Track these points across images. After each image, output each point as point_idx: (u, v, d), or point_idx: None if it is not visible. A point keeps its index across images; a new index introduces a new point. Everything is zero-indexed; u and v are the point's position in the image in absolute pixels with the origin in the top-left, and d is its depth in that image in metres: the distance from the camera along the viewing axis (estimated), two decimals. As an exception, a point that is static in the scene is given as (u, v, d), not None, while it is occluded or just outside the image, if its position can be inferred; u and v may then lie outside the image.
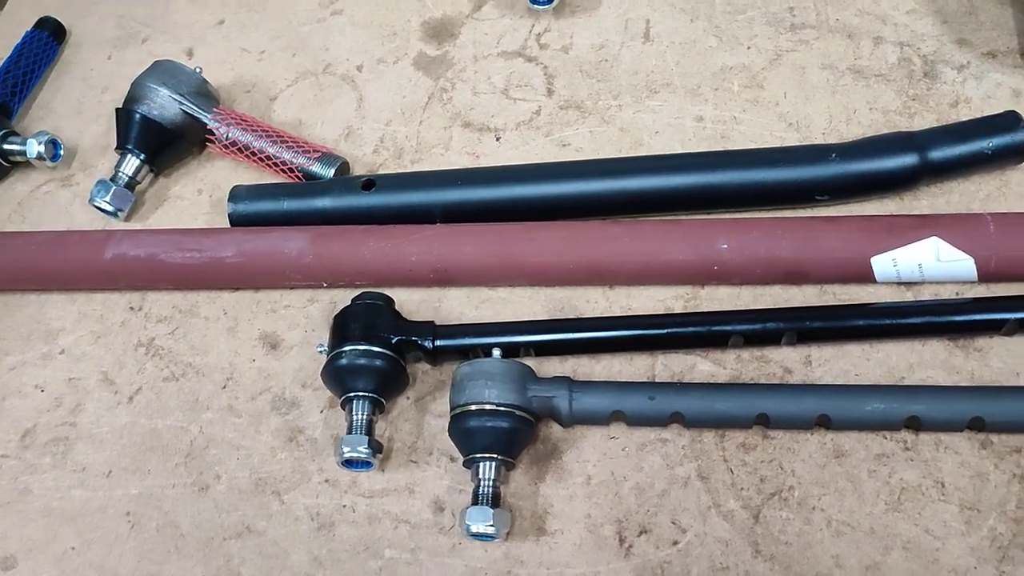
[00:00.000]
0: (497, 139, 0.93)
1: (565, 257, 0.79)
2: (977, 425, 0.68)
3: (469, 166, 0.92)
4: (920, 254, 0.74)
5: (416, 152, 0.94)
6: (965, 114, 0.87)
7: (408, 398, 0.79)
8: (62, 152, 0.99)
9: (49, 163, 0.98)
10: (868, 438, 0.71)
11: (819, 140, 0.88)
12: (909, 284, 0.78)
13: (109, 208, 0.92)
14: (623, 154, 0.90)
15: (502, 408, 0.70)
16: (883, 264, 0.75)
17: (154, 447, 0.80)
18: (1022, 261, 0.73)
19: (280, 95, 1.01)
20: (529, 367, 0.73)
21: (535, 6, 1.00)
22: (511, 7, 1.03)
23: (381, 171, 0.93)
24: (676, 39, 0.97)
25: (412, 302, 0.84)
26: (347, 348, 0.74)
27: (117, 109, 0.94)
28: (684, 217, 0.83)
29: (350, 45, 1.04)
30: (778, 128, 0.89)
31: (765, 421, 0.71)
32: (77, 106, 1.05)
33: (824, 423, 0.70)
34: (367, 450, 0.72)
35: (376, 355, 0.74)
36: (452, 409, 0.72)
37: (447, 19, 1.04)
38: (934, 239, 0.74)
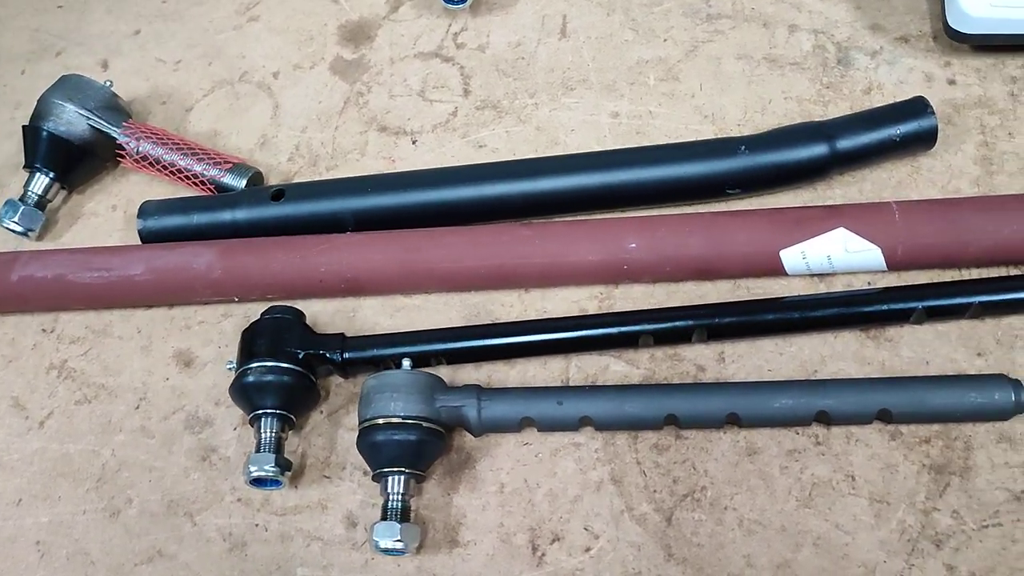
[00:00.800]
0: (413, 142, 0.92)
1: (475, 262, 0.78)
2: (885, 416, 0.68)
3: (385, 171, 0.90)
4: (828, 246, 0.73)
5: (332, 159, 0.92)
6: (878, 100, 0.86)
7: (321, 412, 0.78)
8: (-28, 172, 0.96)
9: (-41, 184, 0.95)
10: (781, 434, 0.71)
11: (734, 132, 0.87)
12: (822, 275, 0.77)
13: (18, 228, 0.90)
14: (539, 153, 0.89)
15: (409, 421, 0.69)
16: (792, 257, 0.74)
17: (65, 472, 0.78)
18: (928, 248, 0.73)
19: (196, 105, 1.00)
20: (438, 377, 0.72)
21: (449, 6, 0.98)
22: (428, 7, 1.01)
23: (296, 179, 0.92)
24: (593, 34, 0.96)
25: (326, 313, 0.82)
26: (254, 364, 0.73)
27: (24, 127, 0.92)
28: (596, 216, 0.82)
29: (266, 51, 1.02)
30: (693, 121, 0.88)
31: (675, 421, 0.70)
32: (-11, 124, 1.03)
33: (734, 421, 0.69)
34: (274, 468, 0.71)
35: (283, 371, 0.73)
36: (360, 423, 0.71)
37: (364, 21, 1.02)
38: (841, 230, 0.73)
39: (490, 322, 0.79)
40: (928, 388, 0.68)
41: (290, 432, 0.75)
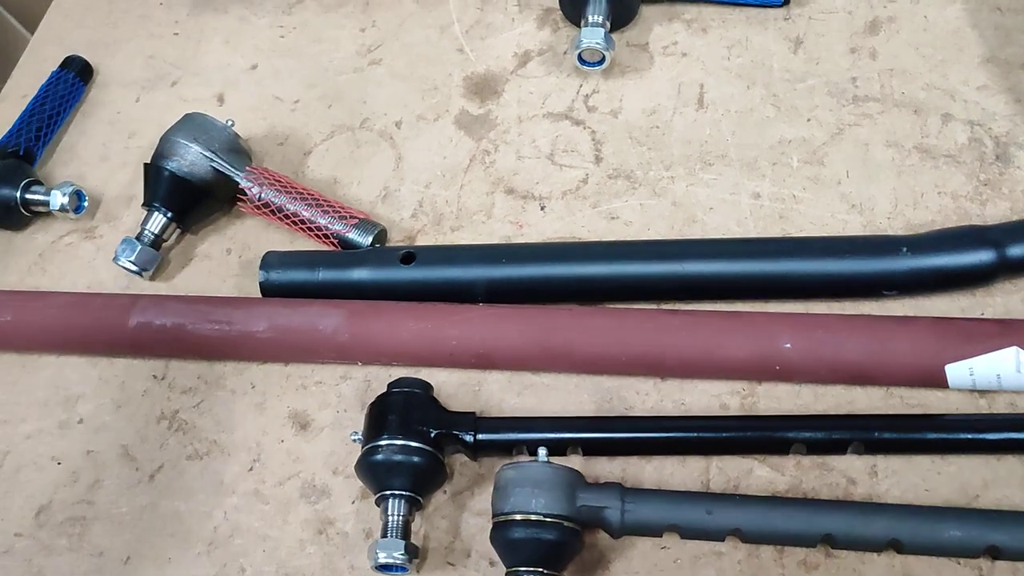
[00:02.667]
0: (542, 208, 0.89)
1: (616, 348, 0.75)
2: (1061, 557, 0.64)
3: (512, 236, 0.88)
4: (1000, 364, 0.69)
5: (456, 219, 0.90)
6: (1040, 203, 0.82)
7: (445, 492, 0.75)
8: (86, 203, 0.95)
9: (72, 215, 0.94)
10: (940, 563, 0.67)
11: (883, 224, 0.83)
12: (983, 392, 0.73)
13: (134, 268, 0.88)
14: (676, 230, 0.85)
15: (549, 519, 0.65)
16: (958, 372, 0.70)
17: (175, 532, 0.76)
18: (1109, 377, 0.69)
19: (315, 149, 0.97)
20: (578, 472, 0.69)
21: (583, 67, 0.95)
22: (558, 65, 0.99)
23: (420, 237, 0.89)
24: (732, 107, 0.93)
25: (451, 384, 0.79)
26: (383, 442, 0.70)
27: (145, 164, 0.90)
28: (741, 306, 0.78)
29: (388, 98, 1.00)
30: (840, 210, 0.84)
31: (831, 541, 0.66)
32: (103, 152, 1.01)
33: (895, 546, 0.65)
34: (403, 555, 0.68)
35: (414, 451, 0.70)
36: (495, 516, 0.67)
37: (490, 74, 1.00)
38: (1015, 349, 0.69)
39: (632, 415, 0.75)
40: (1110, 531, 0.63)
41: (416, 513, 0.72)
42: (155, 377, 0.84)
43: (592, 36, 0.92)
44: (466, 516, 0.73)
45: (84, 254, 0.94)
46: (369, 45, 1.05)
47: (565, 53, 0.99)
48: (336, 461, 0.77)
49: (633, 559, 0.70)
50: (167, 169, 0.88)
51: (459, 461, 0.76)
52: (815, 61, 0.94)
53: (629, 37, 0.99)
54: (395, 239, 0.89)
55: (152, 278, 0.90)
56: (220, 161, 0.88)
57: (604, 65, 0.95)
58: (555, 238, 0.87)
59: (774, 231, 0.84)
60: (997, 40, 0.92)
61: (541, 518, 0.65)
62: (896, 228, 0.82)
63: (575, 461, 0.73)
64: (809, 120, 0.91)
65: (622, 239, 0.84)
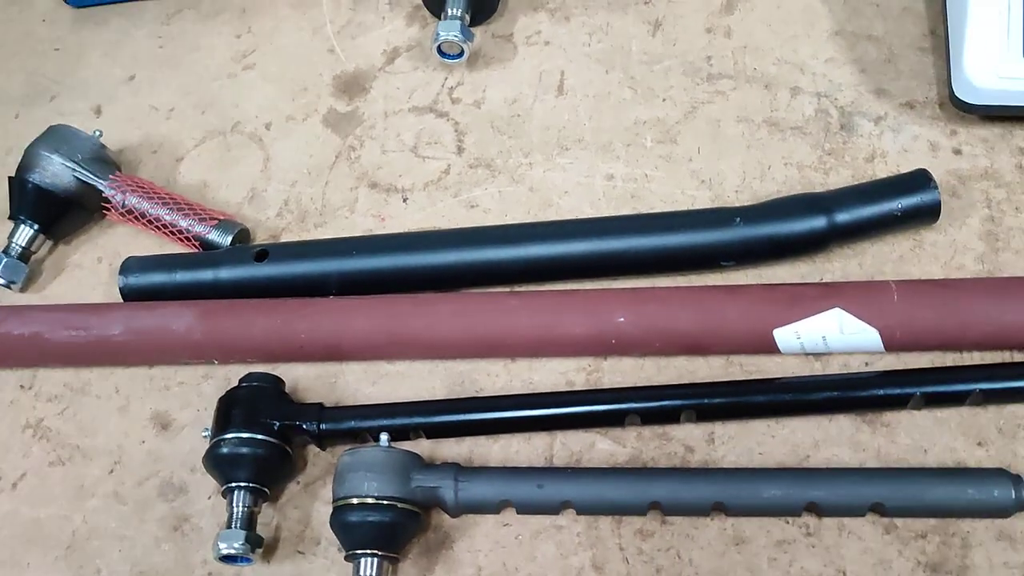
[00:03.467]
0: (404, 200, 0.90)
1: (460, 331, 0.76)
2: (879, 509, 0.65)
3: (375, 229, 0.89)
4: (823, 326, 0.71)
5: (320, 215, 0.91)
6: (881, 169, 0.84)
7: (298, 483, 0.75)
8: (-41, 220, 0.95)
9: (-55, 232, 0.94)
10: (770, 523, 0.68)
11: (731, 198, 0.84)
12: (817, 355, 0.74)
13: (1, 281, 0.88)
14: (532, 215, 0.87)
15: (383, 501, 0.66)
16: (786, 337, 0.72)
17: (34, 538, 0.76)
18: (927, 331, 0.70)
19: (187, 155, 0.98)
20: (415, 455, 0.70)
21: (445, 60, 0.97)
22: (424, 60, 1.00)
23: (284, 236, 0.90)
24: (590, 91, 0.94)
25: (308, 378, 0.80)
26: (228, 436, 0.71)
27: (9, 177, 0.91)
28: (587, 285, 0.80)
29: (260, 101, 1.01)
30: (690, 186, 0.86)
31: (659, 508, 0.67)
32: (-20, 169, 1.02)
33: (721, 509, 0.67)
34: (243, 544, 0.68)
35: (258, 443, 0.71)
36: (333, 501, 0.68)
37: (359, 72, 1.01)
38: (837, 310, 0.71)
39: (472, 396, 0.77)
40: (925, 481, 0.65)
41: (264, 504, 0.73)
42: (22, 387, 0.85)
43: (449, 29, 0.93)
44: (317, 505, 0.74)
45: (-41, 270, 0.94)
46: (244, 50, 1.06)
47: (431, 48, 1.00)
48: (195, 459, 0.78)
49: (476, 537, 0.71)
50: (30, 181, 0.88)
51: (313, 452, 0.77)
52: (672, 42, 0.96)
53: (494, 29, 1.00)
54: (260, 239, 0.90)
55: (23, 290, 0.91)
56: (83, 171, 0.89)
57: (464, 58, 0.96)
58: (416, 229, 0.88)
59: (626, 211, 0.85)
60: (845, 13, 0.93)
61: (375, 501, 0.66)
62: (743, 201, 0.84)
63: (424, 445, 0.74)
64: (664, 100, 0.92)
65: (476, 226, 0.85)
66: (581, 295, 0.76)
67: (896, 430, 0.70)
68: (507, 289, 0.81)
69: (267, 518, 0.74)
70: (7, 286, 0.89)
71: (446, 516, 0.72)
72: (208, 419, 0.79)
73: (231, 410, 0.72)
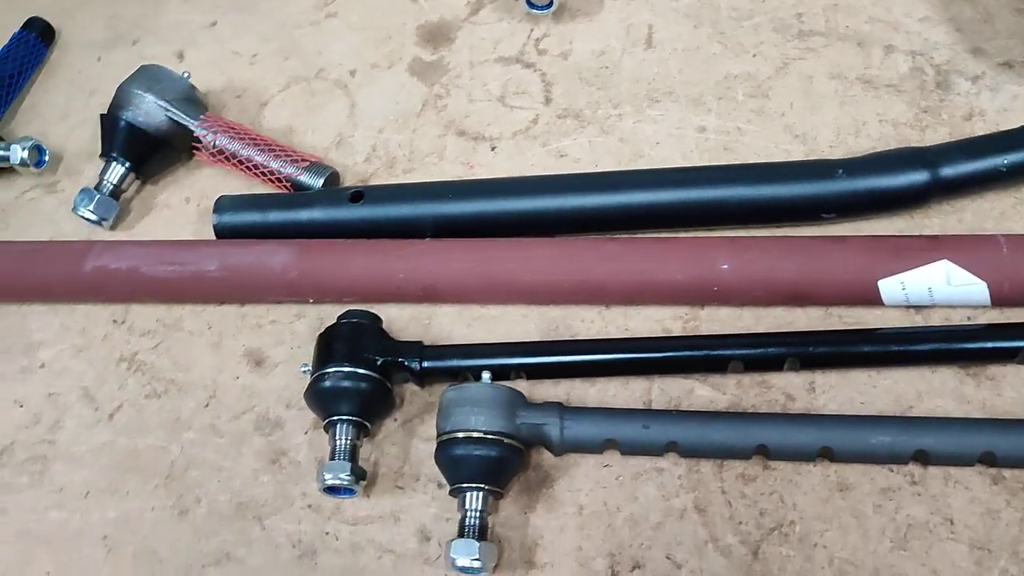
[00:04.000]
0: (492, 149, 0.90)
1: (559, 275, 0.76)
2: (988, 460, 0.65)
3: (463, 176, 0.89)
4: (930, 277, 0.71)
5: (409, 161, 0.91)
6: (979, 128, 0.83)
7: (395, 420, 0.76)
8: (47, 158, 0.96)
9: (34, 169, 0.95)
10: (874, 471, 0.68)
11: (826, 153, 0.84)
12: (919, 307, 0.74)
13: (93, 217, 0.89)
14: (623, 166, 0.87)
15: (489, 436, 0.67)
16: (891, 287, 0.71)
17: (133, 467, 0.77)
18: (1038, 286, 0.70)
19: (271, 100, 0.99)
20: (519, 392, 0.70)
21: (533, 11, 0.96)
22: (509, 11, 1.00)
23: (373, 181, 0.90)
24: (679, 45, 0.94)
25: (401, 319, 0.81)
26: (330, 370, 0.71)
27: (102, 115, 0.91)
28: (684, 235, 0.80)
29: (344, 49, 1.01)
30: (783, 140, 0.86)
31: (765, 452, 0.67)
32: (64, 110, 1.03)
33: (827, 455, 0.67)
34: (349, 476, 0.69)
35: (361, 377, 0.71)
36: (438, 436, 0.69)
37: (443, 23, 1.01)
38: (944, 262, 0.70)
39: (573, 338, 0.77)
40: (1035, 432, 0.65)
41: (364, 440, 0.73)
42: (115, 322, 0.86)
43: (540, -22, 0.93)
44: (415, 442, 0.75)
45: (46, 208, 0.95)
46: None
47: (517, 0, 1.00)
48: (290, 395, 0.79)
49: (576, 477, 0.71)
50: (123, 119, 0.89)
51: (409, 391, 0.77)
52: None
53: (580, -18, 1.00)
54: (349, 183, 0.91)
55: (112, 228, 0.92)
56: (175, 110, 0.90)
57: (553, 8, 0.96)
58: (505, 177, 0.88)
59: (719, 163, 0.85)
60: (940, -28, 0.93)
61: (482, 435, 0.67)
62: (838, 155, 0.84)
63: (521, 386, 0.75)
64: (755, 56, 0.92)
65: (573, 172, 0.85)
66: (683, 242, 0.76)
67: (1001, 384, 0.70)
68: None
69: (365, 454, 0.74)
70: (98, 223, 0.90)
71: (546, 457, 0.72)
72: (301, 357, 0.80)
73: (333, 345, 0.73)
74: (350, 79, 0.98)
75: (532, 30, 0.98)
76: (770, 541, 0.67)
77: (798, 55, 0.91)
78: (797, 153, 0.85)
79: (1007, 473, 0.66)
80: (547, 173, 0.87)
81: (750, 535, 0.67)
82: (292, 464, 0.75)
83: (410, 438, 0.75)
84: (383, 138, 0.93)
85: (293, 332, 0.82)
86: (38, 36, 1.06)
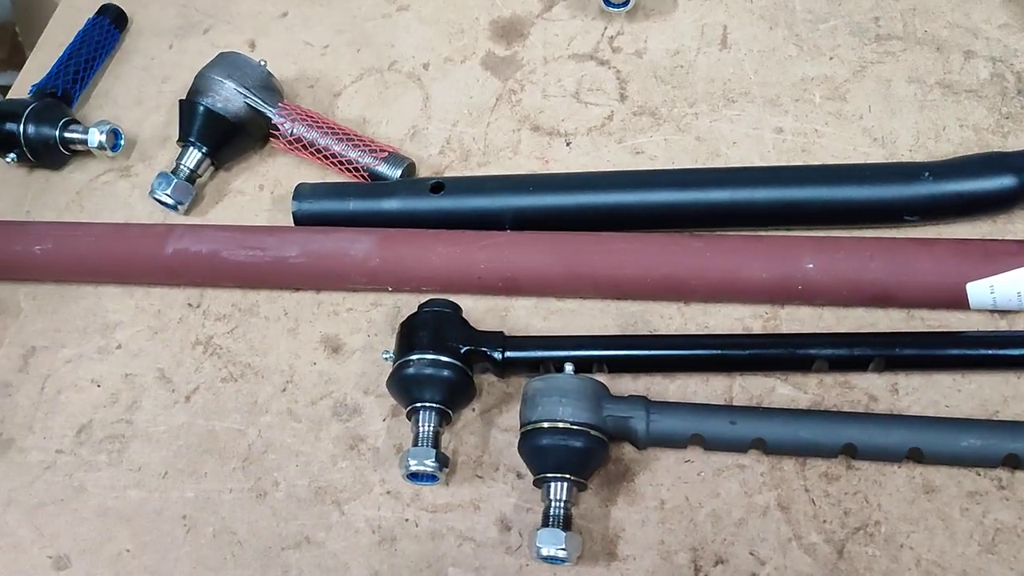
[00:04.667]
0: (567, 144, 0.91)
1: (640, 270, 0.76)
2: (1080, 466, 0.65)
3: (538, 171, 0.89)
4: (1020, 282, 0.70)
5: (483, 155, 0.91)
6: (1062, 135, 0.83)
7: (474, 410, 0.76)
8: (123, 142, 0.97)
9: (109, 152, 0.96)
10: (960, 474, 0.68)
11: (905, 157, 0.84)
12: (1004, 312, 0.74)
13: (169, 201, 0.90)
14: (699, 164, 0.87)
15: (576, 427, 0.67)
16: (979, 291, 0.71)
17: (211, 449, 0.78)
18: None
19: (344, 91, 0.99)
20: (604, 384, 0.70)
21: (609, 8, 0.97)
22: (583, 8, 1.00)
23: (447, 173, 0.91)
24: (754, 47, 0.94)
25: (478, 310, 0.81)
26: (415, 357, 0.72)
27: (180, 101, 0.92)
28: (766, 233, 0.80)
29: (416, 42, 1.02)
30: (862, 143, 0.86)
31: (852, 451, 0.67)
32: (137, 96, 1.04)
33: (915, 456, 0.67)
34: (434, 463, 0.69)
35: (444, 365, 0.72)
36: (523, 425, 0.69)
37: (516, 18, 1.01)
38: (1035, 267, 0.70)
39: (656, 333, 0.77)
40: None
41: (446, 428, 0.74)
42: (190, 305, 0.86)
43: (619, -24, 0.93)
44: (494, 432, 0.75)
45: (120, 192, 0.96)
46: (397, -8, 1.06)
47: (594, -5, 1.00)
48: (367, 382, 0.79)
49: (657, 472, 0.71)
50: (202, 105, 0.90)
51: (487, 381, 0.78)
52: (837, 2, 0.95)
53: (653, -19, 1.00)
54: (424, 175, 0.91)
55: (187, 213, 0.92)
56: (253, 97, 0.91)
57: (629, 7, 0.96)
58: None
59: (797, 164, 0.85)
60: (1020, -21, 0.93)
61: (568, 425, 0.67)
62: (918, 159, 0.83)
63: (601, 379, 0.75)
64: (831, 58, 0.92)
65: (655, 168, 0.86)
66: (767, 240, 0.76)
67: (1089, 391, 0.70)
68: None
69: (445, 443, 0.74)
70: (174, 207, 0.91)
71: (627, 450, 0.72)
72: (380, 344, 0.81)
73: (417, 332, 0.73)
74: (423, 72, 0.99)
75: (606, 28, 0.98)
76: (855, 540, 0.66)
77: (876, 59, 0.91)
78: (876, 156, 0.85)
79: (1098, 480, 0.66)
80: (624, 169, 0.87)
81: (835, 534, 0.67)
82: (371, 450, 0.76)
83: (489, 428, 0.75)
84: (457, 131, 0.94)
85: (370, 320, 0.83)
86: (112, 22, 1.07)
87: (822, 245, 0.74)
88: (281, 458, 0.77)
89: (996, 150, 0.81)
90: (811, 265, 0.73)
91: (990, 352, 0.70)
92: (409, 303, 0.81)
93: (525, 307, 0.81)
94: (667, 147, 0.89)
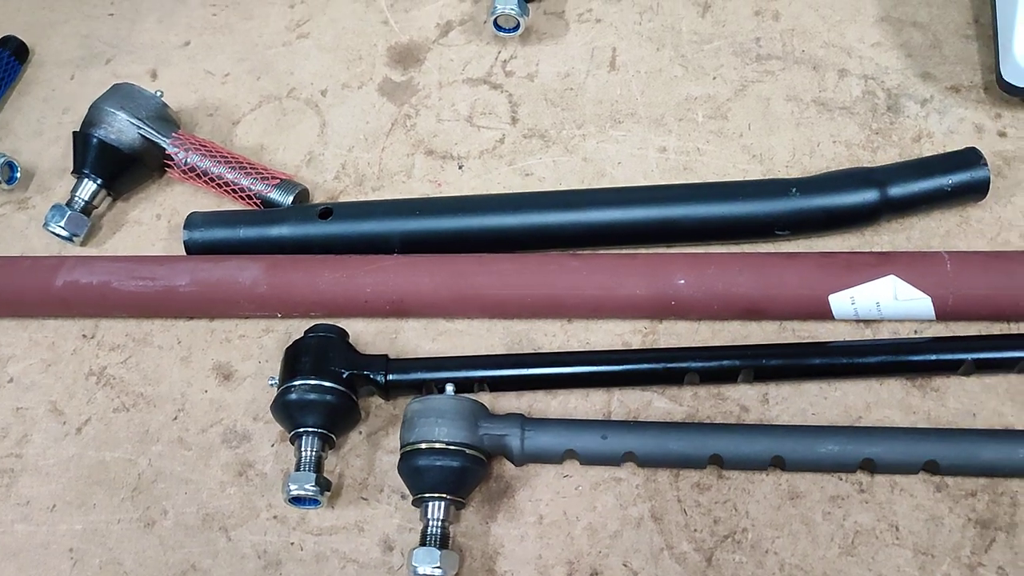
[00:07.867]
0: (460, 167, 0.93)
1: (522, 290, 0.78)
2: (932, 468, 0.68)
3: (431, 194, 0.91)
4: (878, 292, 0.73)
5: (378, 179, 0.93)
6: (928, 149, 0.86)
7: (360, 433, 0.78)
8: (18, 175, 0.97)
9: (5, 185, 0.96)
10: (823, 479, 0.70)
11: (782, 173, 0.87)
12: (868, 321, 0.77)
13: (64, 233, 0.90)
14: (586, 185, 0.89)
15: (452, 447, 0.69)
16: (841, 302, 0.74)
17: (101, 480, 0.78)
18: (979, 300, 0.73)
19: (243, 119, 1.00)
20: (481, 404, 0.72)
21: (500, 33, 0.99)
22: (478, 33, 1.02)
23: (342, 198, 0.92)
24: (642, 68, 0.97)
25: (368, 333, 0.82)
26: (297, 382, 0.73)
27: (74, 132, 0.92)
28: (643, 251, 0.82)
29: (315, 69, 1.03)
30: (741, 160, 0.88)
31: (719, 461, 0.70)
32: (37, 127, 1.04)
33: (778, 464, 0.69)
34: (315, 487, 0.70)
35: (326, 390, 0.73)
36: (402, 447, 0.70)
37: (413, 44, 1.03)
38: (892, 278, 0.73)
39: (535, 351, 0.79)
40: (977, 442, 0.67)
41: (329, 452, 0.75)
42: (84, 336, 0.86)
43: (506, 3, 0.95)
44: (380, 454, 0.76)
45: (17, 224, 0.96)
46: (298, 20, 1.08)
47: (485, 22, 1.02)
48: (257, 408, 0.80)
49: (537, 487, 0.73)
50: (95, 136, 0.90)
51: (375, 404, 0.79)
52: (722, 24, 0.98)
53: (546, 6, 1.03)
54: (318, 200, 0.92)
55: (83, 244, 0.93)
56: (147, 128, 0.91)
57: (520, 31, 0.99)
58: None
59: (679, 182, 0.87)
60: (891, 1, 0.96)
61: (444, 446, 0.69)
62: (793, 175, 0.86)
63: (484, 399, 0.77)
64: (715, 78, 0.95)
65: (537, 191, 0.88)
66: (642, 258, 0.78)
67: (946, 395, 0.73)
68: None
69: (330, 466, 0.76)
70: (69, 239, 0.91)
71: (507, 467, 0.74)
72: (269, 371, 0.81)
73: (300, 358, 0.74)
74: (321, 98, 1.00)
75: (499, 52, 1.01)
76: (723, 548, 0.69)
77: (756, 78, 0.94)
78: (755, 172, 0.87)
79: (950, 481, 0.69)
80: (512, 191, 0.89)
81: (704, 542, 0.69)
82: (259, 476, 0.77)
83: (375, 450, 0.77)
84: (352, 156, 0.95)
85: (261, 346, 0.83)
86: (12, 54, 1.07)
87: (693, 261, 0.76)
88: (170, 487, 0.77)
89: (862, 165, 0.84)
90: (682, 281, 0.75)
91: (851, 361, 0.73)
92: (300, 329, 0.82)
93: (414, 329, 0.83)
94: (555, 168, 0.91)
